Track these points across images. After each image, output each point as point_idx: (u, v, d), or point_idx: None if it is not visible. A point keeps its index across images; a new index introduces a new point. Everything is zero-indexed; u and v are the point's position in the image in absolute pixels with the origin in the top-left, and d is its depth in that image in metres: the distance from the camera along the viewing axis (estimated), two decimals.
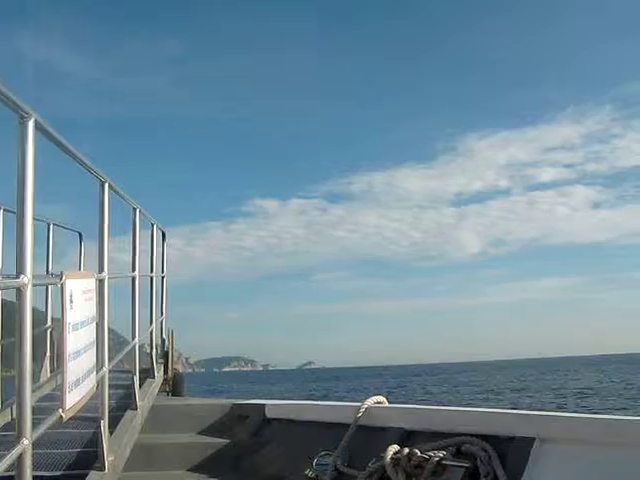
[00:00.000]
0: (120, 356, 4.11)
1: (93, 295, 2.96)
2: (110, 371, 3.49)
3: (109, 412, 3.42)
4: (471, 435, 3.24)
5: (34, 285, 2.13)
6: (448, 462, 3.16)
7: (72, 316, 2.57)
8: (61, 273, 2.52)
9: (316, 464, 3.93)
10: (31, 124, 2.19)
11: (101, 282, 3.29)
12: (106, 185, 3.37)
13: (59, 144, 2.64)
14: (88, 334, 2.83)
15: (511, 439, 3.10)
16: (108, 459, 3.22)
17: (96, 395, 3.16)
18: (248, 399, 5.60)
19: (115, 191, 3.65)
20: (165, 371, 6.63)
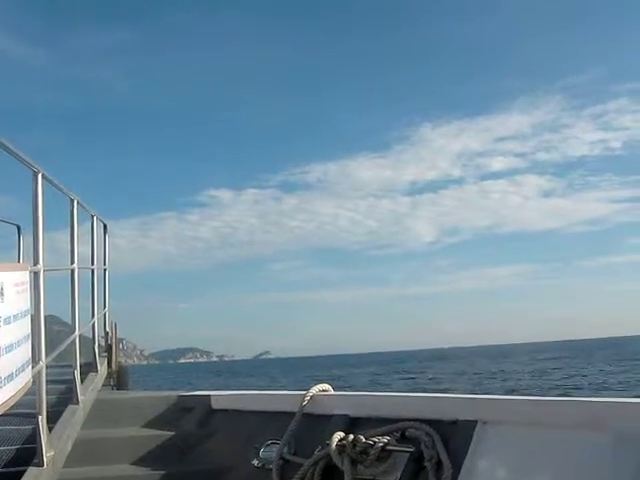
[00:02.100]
0: (59, 350, 4.02)
1: (27, 288, 2.88)
2: (50, 366, 3.40)
3: (50, 408, 3.34)
4: (415, 420, 3.26)
5: None
6: (392, 447, 3.18)
7: (3, 309, 2.50)
8: None
9: (262, 453, 3.92)
10: None
11: (36, 274, 3.20)
12: (39, 175, 3.27)
13: None
14: (22, 328, 2.75)
15: (454, 423, 3.13)
16: (47, 454, 3.13)
17: (33, 390, 3.09)
18: (193, 391, 5.54)
19: (50, 181, 3.55)
20: (109, 364, 6.54)
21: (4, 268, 2.57)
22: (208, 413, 4.80)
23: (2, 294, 2.49)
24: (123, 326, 7.25)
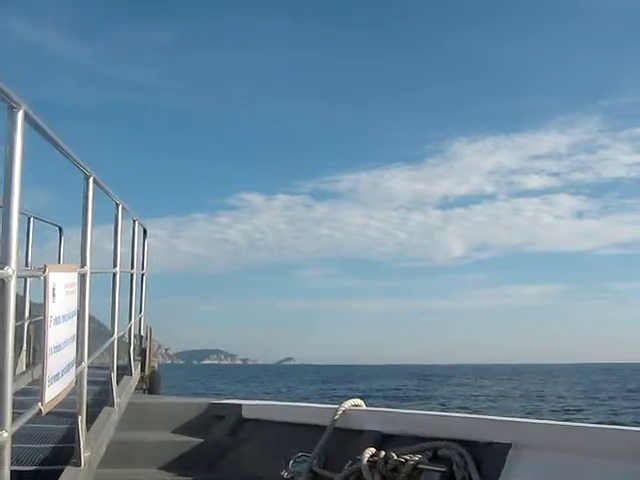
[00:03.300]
0: (99, 352, 4.09)
1: (75, 289, 2.94)
2: (88, 367, 3.46)
3: (86, 408, 3.39)
4: (448, 440, 3.25)
5: (17, 277, 2.11)
6: (424, 466, 3.15)
7: (54, 309, 2.55)
8: (44, 266, 2.50)
9: (292, 465, 3.91)
10: (20, 115, 2.15)
11: (83, 277, 3.26)
12: (91, 179, 3.34)
13: (48, 137, 2.61)
14: (69, 328, 2.81)
15: (487, 445, 3.10)
16: (84, 455, 3.19)
17: (73, 390, 3.15)
18: (224, 399, 5.58)
19: (99, 186, 3.62)
20: (142, 368, 6.61)
21: (57, 269, 2.63)
22: (239, 422, 4.83)
23: (54, 294, 2.55)
24: (150, 324, 7.29)
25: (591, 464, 2.71)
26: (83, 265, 3.30)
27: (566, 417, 27.43)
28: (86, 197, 3.34)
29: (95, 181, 3.42)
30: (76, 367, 3.01)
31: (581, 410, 32.99)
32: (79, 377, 3.14)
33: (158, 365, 7.22)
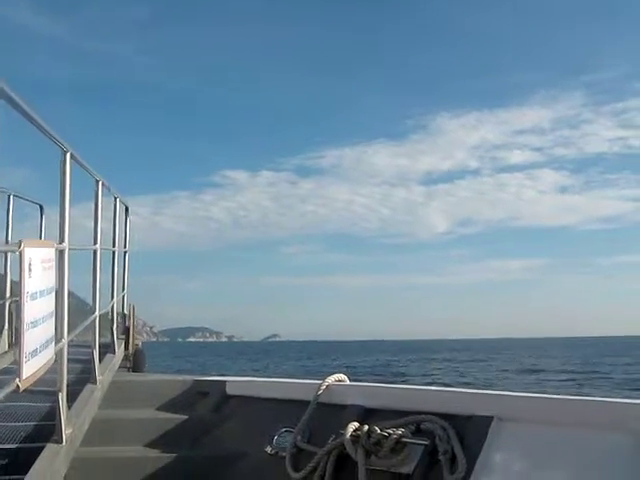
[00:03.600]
0: (80, 329, 4.05)
1: (53, 265, 2.89)
2: (70, 345, 3.43)
3: (68, 386, 3.37)
4: (430, 414, 3.27)
5: None
6: (407, 440, 3.18)
7: (30, 285, 2.51)
8: (19, 241, 2.46)
9: (276, 441, 3.94)
10: None
11: (61, 253, 3.22)
12: (68, 155, 3.28)
13: (24, 113, 2.56)
14: (47, 304, 2.77)
15: (470, 418, 3.13)
16: (66, 432, 3.17)
17: (55, 369, 3.13)
18: (209, 376, 5.57)
19: (78, 162, 3.56)
20: (126, 346, 6.59)
21: (32, 244, 2.59)
22: (223, 398, 4.83)
23: (30, 270, 2.51)
24: (134, 302, 7.27)
25: (572, 435, 2.74)
26: (61, 241, 3.25)
27: (578, 391, 27.64)
28: (64, 173, 3.28)
29: (73, 157, 3.36)
30: (55, 344, 2.98)
31: (582, 385, 32.96)
32: (59, 354, 3.10)
33: (142, 343, 7.20)
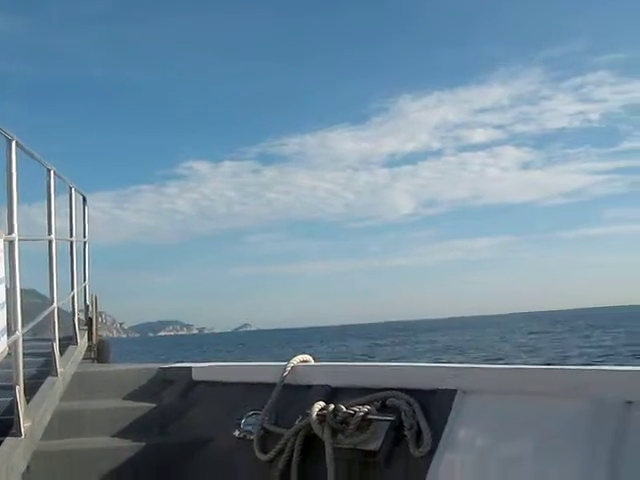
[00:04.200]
0: (36, 321, 3.96)
1: (1, 256, 2.82)
2: (28, 339, 3.36)
3: (28, 380, 3.30)
4: (395, 389, 3.29)
5: None
6: (373, 416, 3.21)
7: None
8: None
9: (243, 424, 3.92)
10: None
11: (11, 244, 3.14)
12: (13, 143, 3.20)
13: None
14: None
15: (434, 392, 3.16)
16: (24, 425, 3.11)
17: (10, 364, 3.06)
18: (174, 363, 5.51)
19: (24, 150, 3.47)
20: (90, 338, 6.49)
21: None
22: (189, 385, 4.79)
23: None
24: (101, 299, 7.18)
25: (535, 405, 2.78)
26: (10, 232, 3.17)
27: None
28: (9, 161, 3.20)
29: (18, 145, 3.27)
30: (9, 336, 2.91)
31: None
32: (13, 346, 3.04)
33: (112, 339, 7.11)
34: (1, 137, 3.17)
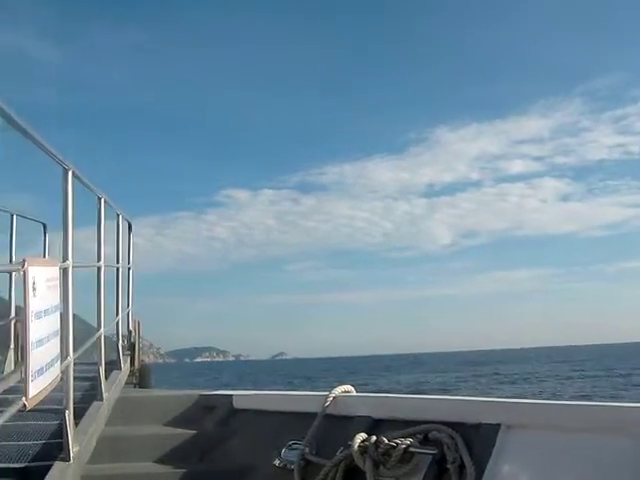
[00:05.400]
0: (85, 346, 4.06)
1: (57, 284, 2.91)
2: (76, 363, 3.43)
3: (74, 404, 3.37)
4: (438, 423, 3.27)
5: None
6: (415, 449, 3.19)
7: (35, 304, 2.53)
8: (23, 260, 2.48)
9: (284, 454, 3.92)
10: None
11: (65, 271, 3.23)
12: (69, 173, 3.30)
13: (21, 130, 2.58)
14: (52, 323, 2.79)
15: (477, 426, 3.14)
16: (73, 449, 3.17)
17: (60, 387, 3.13)
18: (215, 390, 5.55)
19: (79, 179, 3.58)
20: (132, 363, 6.58)
21: (36, 263, 2.61)
22: (230, 413, 4.81)
23: (34, 289, 2.53)
24: (138, 319, 7.27)
25: (579, 441, 2.76)
26: (65, 259, 3.27)
27: None
28: (65, 191, 3.31)
29: (75, 175, 3.38)
30: (61, 362, 2.99)
31: None
32: (65, 372, 3.11)
33: (150, 363, 7.19)
34: (59, 165, 3.27)
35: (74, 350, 3.51)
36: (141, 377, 6.64)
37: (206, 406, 5.07)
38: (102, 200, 4.56)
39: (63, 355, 3.08)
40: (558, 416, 2.97)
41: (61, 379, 3.01)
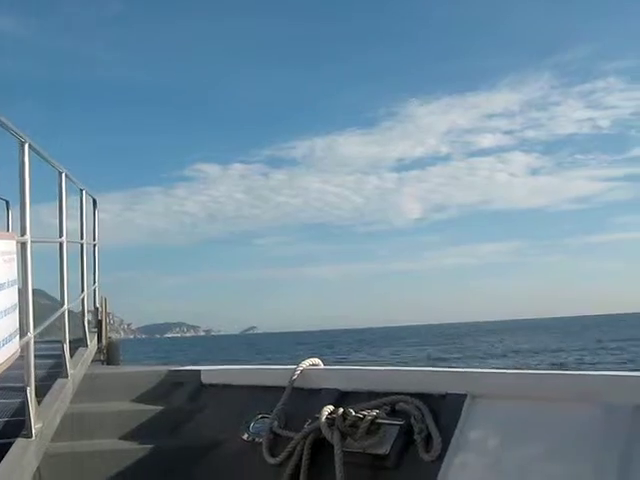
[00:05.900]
0: (47, 322, 3.97)
1: (14, 258, 2.83)
2: (38, 341, 3.36)
3: (38, 381, 3.30)
4: (405, 394, 3.29)
5: None
6: (382, 420, 3.22)
7: None
8: None
9: (252, 427, 3.94)
10: None
11: (23, 245, 3.14)
12: (26, 145, 3.20)
13: None
14: (8, 298, 2.72)
15: (443, 396, 3.17)
16: (35, 426, 3.11)
17: (22, 365, 3.07)
18: (183, 366, 5.52)
19: (37, 152, 3.47)
20: (99, 339, 6.51)
21: None
22: (198, 388, 4.80)
23: None
24: (109, 300, 7.19)
25: (545, 410, 2.79)
26: (23, 234, 3.17)
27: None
28: (22, 163, 3.20)
29: (31, 147, 3.27)
30: (21, 338, 2.92)
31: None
32: (25, 348, 3.04)
33: (118, 340, 7.13)
34: (14, 138, 3.17)
35: (37, 326, 3.43)
36: (109, 354, 6.57)
37: (174, 382, 5.04)
38: (63, 175, 4.45)
39: (23, 331, 3.01)
40: (524, 386, 2.99)
41: (21, 356, 2.94)
